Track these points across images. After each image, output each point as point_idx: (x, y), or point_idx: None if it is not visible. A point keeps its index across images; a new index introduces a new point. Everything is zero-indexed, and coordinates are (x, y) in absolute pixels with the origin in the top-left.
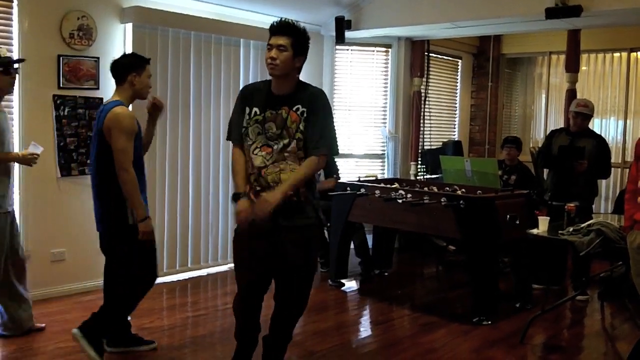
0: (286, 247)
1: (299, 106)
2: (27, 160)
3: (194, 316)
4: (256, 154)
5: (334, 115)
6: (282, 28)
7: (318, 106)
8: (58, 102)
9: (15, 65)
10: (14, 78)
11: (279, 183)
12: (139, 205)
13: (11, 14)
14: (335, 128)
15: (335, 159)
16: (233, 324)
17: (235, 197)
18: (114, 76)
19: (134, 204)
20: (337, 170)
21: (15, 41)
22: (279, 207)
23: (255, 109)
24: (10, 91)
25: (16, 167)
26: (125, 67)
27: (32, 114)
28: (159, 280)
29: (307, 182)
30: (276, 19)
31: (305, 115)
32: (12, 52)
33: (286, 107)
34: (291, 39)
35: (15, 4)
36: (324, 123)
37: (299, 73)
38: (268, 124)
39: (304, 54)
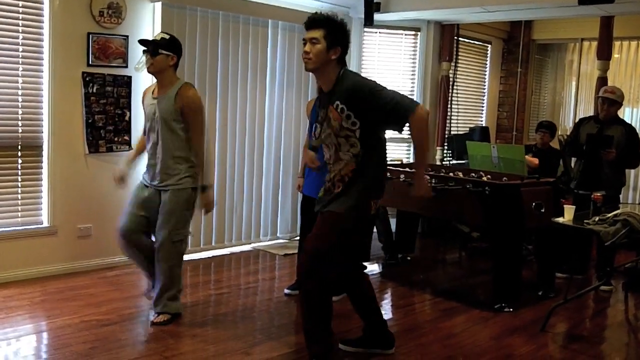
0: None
1: (338, 102)
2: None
3: (216, 294)
4: (325, 152)
5: (379, 84)
6: (314, 21)
7: (365, 93)
8: (87, 79)
9: None
10: None
11: (342, 181)
12: None
13: None
14: (392, 90)
15: None
16: (254, 303)
17: None
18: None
19: None
20: None
21: (46, 19)
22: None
23: (319, 111)
24: None
25: (45, 143)
26: None
27: (62, 91)
28: (184, 257)
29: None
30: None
31: (346, 111)
32: (42, 29)
33: (330, 105)
34: (324, 31)
35: None
36: (385, 95)
37: (341, 65)
38: (324, 124)
39: (341, 45)
